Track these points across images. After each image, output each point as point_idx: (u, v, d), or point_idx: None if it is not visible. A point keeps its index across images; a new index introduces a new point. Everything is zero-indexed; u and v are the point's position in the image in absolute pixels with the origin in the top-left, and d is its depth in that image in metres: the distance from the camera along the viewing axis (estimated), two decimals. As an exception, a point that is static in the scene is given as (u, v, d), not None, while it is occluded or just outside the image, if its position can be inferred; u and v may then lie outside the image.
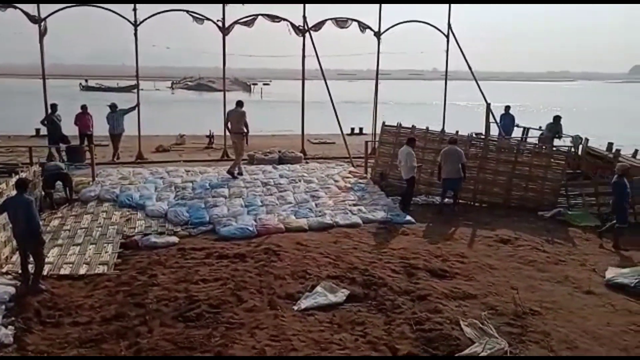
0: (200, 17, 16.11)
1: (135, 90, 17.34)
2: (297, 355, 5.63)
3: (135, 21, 15.56)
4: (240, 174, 13.39)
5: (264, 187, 12.49)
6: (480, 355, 5.53)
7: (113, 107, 16.40)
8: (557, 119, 16.56)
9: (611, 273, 8.24)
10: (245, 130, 13.24)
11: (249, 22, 16.45)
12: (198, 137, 20.62)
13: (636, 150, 15.29)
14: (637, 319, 6.84)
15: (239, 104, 13.49)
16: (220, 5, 16.27)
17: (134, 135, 16.53)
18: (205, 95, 62.84)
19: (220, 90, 18.51)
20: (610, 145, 15.55)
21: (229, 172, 13.33)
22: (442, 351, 5.73)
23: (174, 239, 9.41)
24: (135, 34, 15.66)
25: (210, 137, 19.45)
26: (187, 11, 16.08)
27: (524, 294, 7.29)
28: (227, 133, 14.28)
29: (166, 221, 10.32)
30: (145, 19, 15.72)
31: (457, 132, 13.47)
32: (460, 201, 12.64)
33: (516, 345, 5.91)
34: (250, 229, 9.77)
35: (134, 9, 15.51)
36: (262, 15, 16.45)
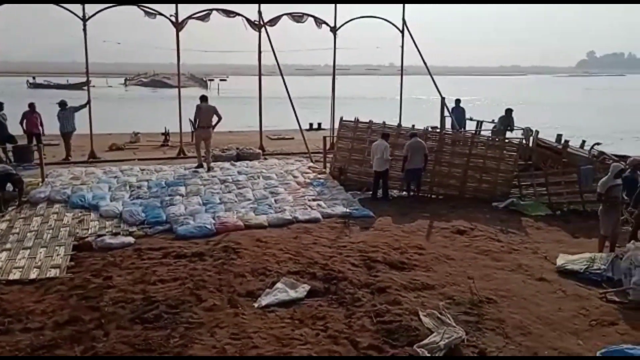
0: (152, 11, 15.75)
1: (86, 88, 16.83)
2: (262, 355, 5.60)
3: (84, 16, 15.07)
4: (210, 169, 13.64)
5: (222, 185, 12.35)
6: (438, 344, 5.64)
7: (63, 104, 15.88)
8: (508, 112, 17.07)
9: (562, 260, 8.54)
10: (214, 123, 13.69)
11: (204, 17, 16.22)
12: (153, 135, 20.22)
13: (583, 141, 15.91)
14: (586, 303, 7.13)
15: (205, 98, 13.79)
16: None
17: (85, 133, 16.05)
18: (160, 92, 61.49)
19: (175, 87, 18.14)
20: (559, 136, 16.12)
21: (208, 168, 13.62)
22: (401, 342, 5.81)
23: (130, 239, 9.17)
24: (84, 29, 15.17)
25: (166, 134, 19.10)
26: (139, 5, 15.68)
27: (480, 283, 7.48)
28: (190, 129, 14.36)
29: (121, 221, 10.05)
30: (94, 14, 15.24)
31: (413, 125, 13.69)
32: (409, 194, 12.92)
33: (473, 333, 6.05)
34: (209, 227, 9.64)
35: (82, 3, 15.01)
36: (216, 10, 16.25)
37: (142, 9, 15.71)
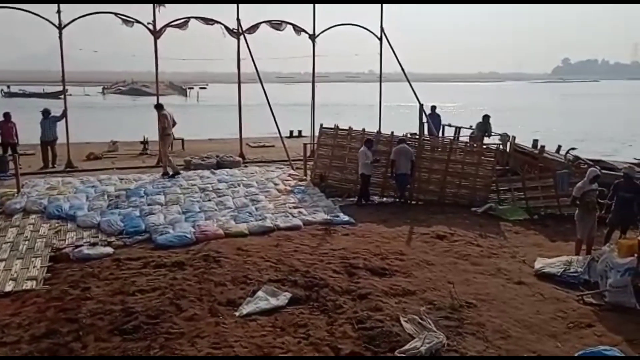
0: (129, 19, 15.63)
1: (63, 96, 16.63)
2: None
3: (60, 24, 14.89)
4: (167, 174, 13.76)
5: (202, 193, 12.27)
6: (419, 349, 5.67)
7: (46, 113, 15.74)
8: (486, 118, 17.30)
9: (540, 263, 8.67)
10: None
11: (181, 24, 16.15)
12: (131, 144, 20.00)
13: (559, 146, 16.18)
14: (564, 306, 7.24)
15: (162, 107, 14.08)
16: (151, 8, 15.86)
17: (62, 143, 15.84)
18: (139, 100, 60.97)
19: (154, 95, 18.01)
20: (535, 142, 16.37)
21: (164, 174, 13.72)
22: (383, 348, 5.83)
23: (108, 249, 9.04)
24: (60, 37, 14.99)
25: (145, 143, 18.92)
26: (116, 14, 15.56)
27: (460, 288, 7.55)
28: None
29: (99, 231, 9.91)
30: (70, 22, 15.07)
31: (392, 132, 13.79)
32: (400, 200, 13.05)
33: (454, 338, 6.10)
34: (189, 236, 9.56)
35: (58, 11, 14.84)
36: (194, 17, 16.18)
37: (119, 17, 15.58)
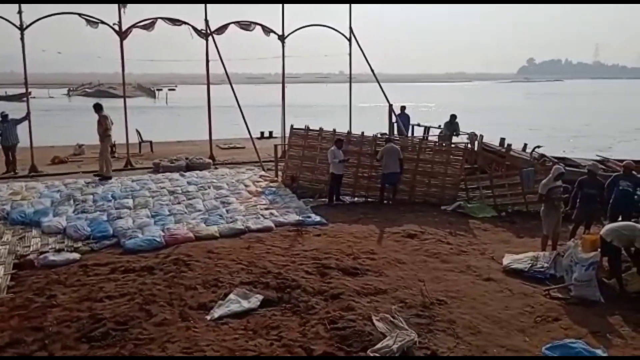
0: (94, 20, 15.29)
1: (26, 99, 16.19)
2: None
3: (21, 25, 14.48)
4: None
5: (172, 196, 12.10)
6: (391, 347, 5.71)
7: (4, 116, 15.24)
8: (453, 117, 17.55)
9: (508, 260, 8.83)
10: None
11: (148, 25, 15.89)
12: (99, 147, 19.51)
13: (525, 145, 16.53)
14: (531, 300, 7.39)
15: (102, 107, 14.17)
16: (117, 8, 15.56)
17: (25, 147, 15.42)
18: (106, 102, 59.48)
19: (122, 97, 17.70)
20: (502, 140, 16.67)
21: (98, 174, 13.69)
22: (355, 348, 5.84)
23: (75, 255, 8.83)
24: (22, 39, 14.58)
25: (112, 146, 18.53)
26: (80, 14, 15.21)
27: (430, 285, 7.64)
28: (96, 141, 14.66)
29: (65, 237, 9.67)
30: (33, 23, 14.67)
31: (362, 132, 13.85)
32: (369, 200, 13.15)
33: (425, 335, 6.16)
34: (158, 239, 9.41)
35: (19, 12, 14.44)
36: (161, 18, 15.94)
37: (83, 18, 15.24)
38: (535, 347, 6.05)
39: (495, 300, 7.35)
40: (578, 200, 9.77)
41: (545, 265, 8.44)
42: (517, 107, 58.51)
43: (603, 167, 13.56)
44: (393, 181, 12.79)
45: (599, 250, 7.76)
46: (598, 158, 15.30)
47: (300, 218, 11.01)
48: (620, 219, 9.01)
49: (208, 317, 6.56)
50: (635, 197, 9.65)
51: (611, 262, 7.86)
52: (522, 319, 6.82)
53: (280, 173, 14.51)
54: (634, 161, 10.89)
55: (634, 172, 9.81)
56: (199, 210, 11.28)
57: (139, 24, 15.85)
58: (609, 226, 7.98)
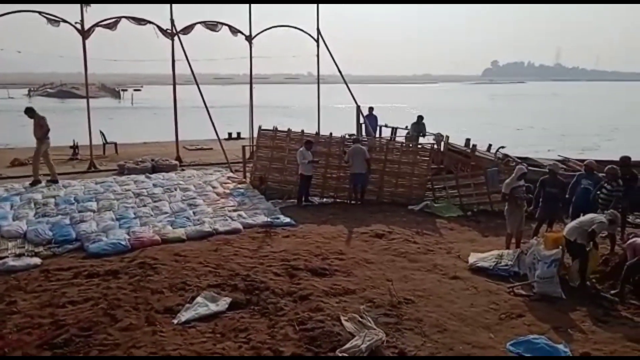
0: (55, 19, 14.87)
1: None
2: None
3: (-22, 23, 13.99)
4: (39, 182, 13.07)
5: (137, 198, 11.88)
6: (360, 347, 5.73)
7: None
8: (420, 118, 17.79)
9: (473, 258, 8.99)
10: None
11: (111, 25, 15.55)
12: (60, 149, 19.02)
13: (490, 145, 16.89)
14: (496, 298, 7.54)
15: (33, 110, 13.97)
16: (79, 7, 15.19)
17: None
18: (68, 103, 58.23)
19: (85, 97, 17.29)
20: (467, 140, 16.99)
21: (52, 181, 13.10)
22: (324, 348, 5.85)
23: (36, 260, 8.56)
24: (-21, 37, 14.09)
25: (75, 147, 18.10)
26: (40, 12, 14.79)
27: (398, 285, 7.71)
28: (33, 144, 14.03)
29: (26, 241, 9.35)
30: (-11, 21, 14.19)
31: (330, 133, 13.90)
32: (337, 200, 13.20)
33: (393, 334, 6.21)
34: (123, 243, 9.21)
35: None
36: (125, 17, 15.62)
37: (43, 16, 14.81)
38: (500, 343, 6.17)
39: (461, 298, 7.47)
40: (540, 199, 10.03)
41: (510, 263, 8.62)
42: (483, 109, 59.66)
43: (564, 166, 13.98)
44: (360, 181, 12.88)
45: (566, 251, 7.98)
46: (559, 158, 15.76)
47: (269, 219, 10.96)
48: (581, 216, 9.27)
49: (175, 321, 6.46)
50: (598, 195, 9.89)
51: (583, 265, 7.88)
52: (487, 316, 6.95)
53: (248, 174, 14.42)
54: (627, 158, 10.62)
55: (595, 172, 10.12)
56: (166, 213, 11.10)
57: (102, 23, 15.50)
58: (569, 225, 8.21)
